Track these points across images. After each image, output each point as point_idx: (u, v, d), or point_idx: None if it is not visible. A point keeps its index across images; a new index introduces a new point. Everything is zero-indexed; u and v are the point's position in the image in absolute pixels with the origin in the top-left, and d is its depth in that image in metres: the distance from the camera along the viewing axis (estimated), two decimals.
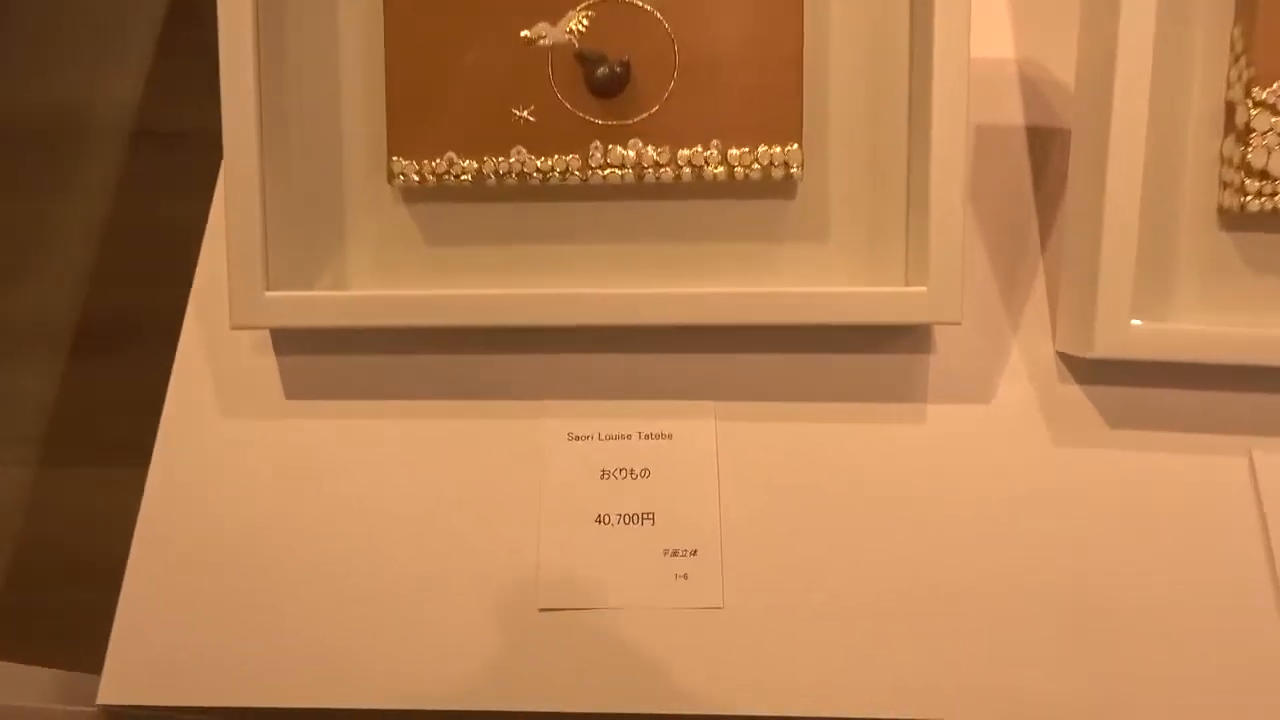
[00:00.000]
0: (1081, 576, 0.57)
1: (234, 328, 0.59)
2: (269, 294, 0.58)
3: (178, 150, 1.14)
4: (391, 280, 0.63)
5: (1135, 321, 0.56)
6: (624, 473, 0.60)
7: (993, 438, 0.60)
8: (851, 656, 0.56)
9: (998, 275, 0.64)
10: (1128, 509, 0.58)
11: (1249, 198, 0.57)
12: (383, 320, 0.59)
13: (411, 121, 0.60)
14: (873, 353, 0.62)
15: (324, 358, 0.63)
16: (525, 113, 0.59)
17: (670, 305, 0.58)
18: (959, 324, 0.57)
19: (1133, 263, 0.56)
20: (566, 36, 0.59)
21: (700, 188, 0.60)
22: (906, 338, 0.62)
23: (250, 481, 0.60)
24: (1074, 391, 0.61)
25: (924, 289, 0.57)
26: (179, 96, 1.25)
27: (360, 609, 0.57)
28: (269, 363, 0.63)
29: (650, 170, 0.59)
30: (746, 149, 0.59)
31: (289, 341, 0.63)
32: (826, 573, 0.57)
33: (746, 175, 0.59)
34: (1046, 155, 0.67)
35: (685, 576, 0.57)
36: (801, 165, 0.59)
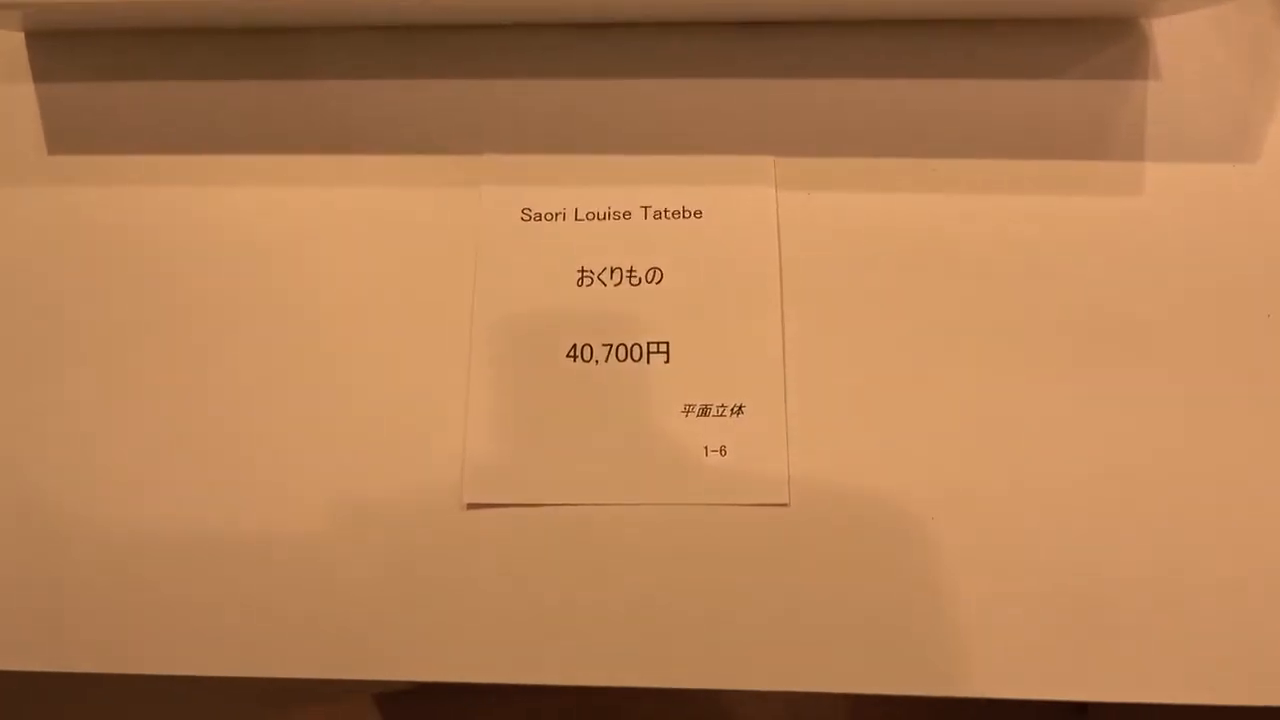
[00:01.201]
0: None
1: None
2: None
3: None
4: None
5: None
6: (617, 275, 0.34)
7: (1257, 217, 0.35)
8: (1021, 597, 0.31)
9: None
10: None
11: None
12: None
13: None
14: (1049, 76, 0.36)
15: (112, 85, 0.37)
16: None
17: None
18: None
19: None
20: None
21: None
22: (1110, 51, 0.36)
23: None
24: None
25: None
26: None
27: (168, 505, 0.33)
28: (22, 95, 0.38)
29: None
30: None
31: (53, 55, 0.38)
32: (968, 447, 0.33)
33: None
34: None
35: (722, 451, 0.33)
36: None
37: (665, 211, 0.35)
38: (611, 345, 0.34)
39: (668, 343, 0.34)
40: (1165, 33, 0.36)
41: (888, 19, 0.36)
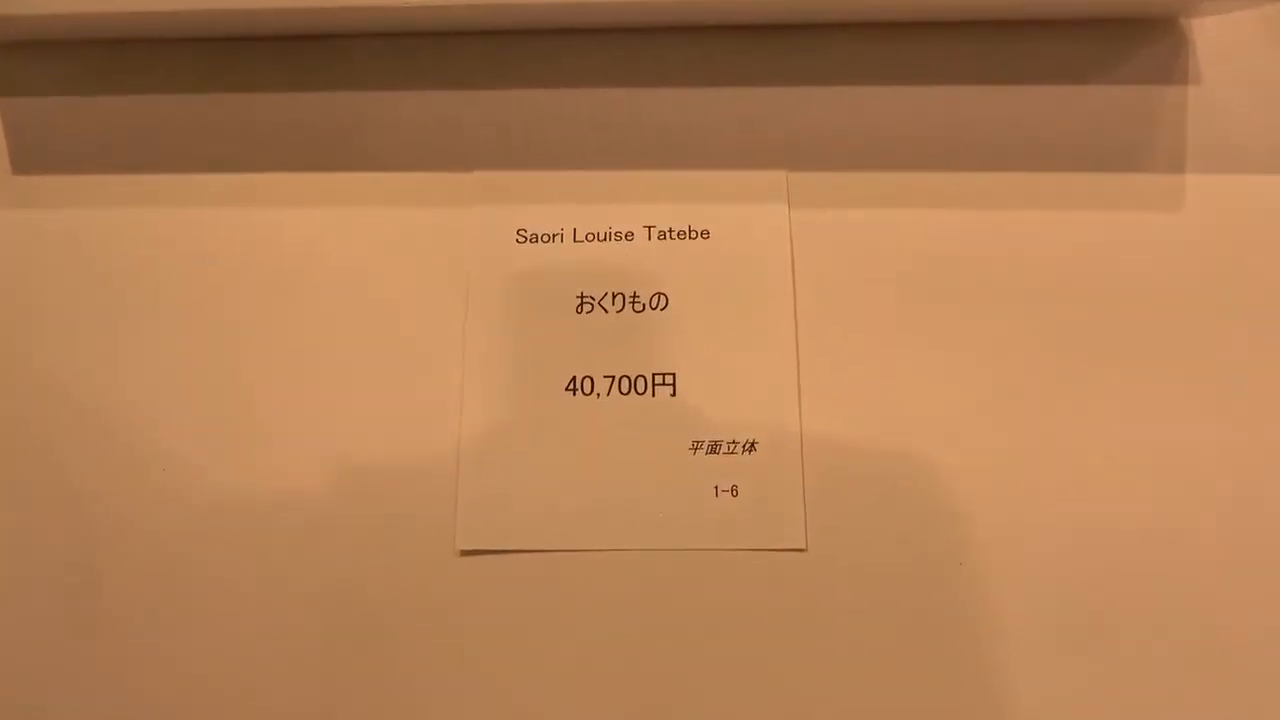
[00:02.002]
0: None
1: None
2: None
3: None
4: None
5: None
6: (620, 300, 0.32)
7: None
8: (1059, 642, 0.29)
9: None
10: None
11: None
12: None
13: None
14: (1079, 81, 0.34)
15: (82, 100, 0.35)
16: None
17: None
18: None
19: None
20: None
21: None
22: (1146, 53, 0.34)
23: None
24: None
25: None
26: None
27: (139, 555, 0.31)
28: None
29: None
30: None
31: (18, 67, 0.35)
32: (1002, 485, 0.30)
33: None
34: None
35: (734, 492, 0.30)
36: None
37: (670, 232, 0.33)
38: (614, 377, 0.31)
39: (674, 374, 0.31)
40: (1206, 33, 0.34)
41: (908, 21, 0.34)
